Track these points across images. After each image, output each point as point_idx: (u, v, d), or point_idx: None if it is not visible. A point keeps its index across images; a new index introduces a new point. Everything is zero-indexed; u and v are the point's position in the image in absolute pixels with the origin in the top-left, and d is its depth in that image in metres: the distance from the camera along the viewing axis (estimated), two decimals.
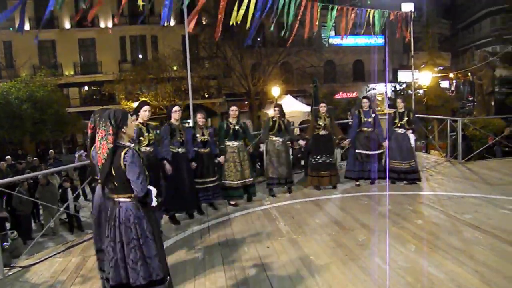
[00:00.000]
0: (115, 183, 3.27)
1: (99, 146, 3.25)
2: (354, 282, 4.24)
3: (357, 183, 8.26)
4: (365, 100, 8.28)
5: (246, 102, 29.82)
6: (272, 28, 8.61)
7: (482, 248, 4.92)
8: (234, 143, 7.22)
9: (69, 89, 28.99)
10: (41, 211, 12.45)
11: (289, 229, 5.94)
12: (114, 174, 3.22)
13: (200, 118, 6.86)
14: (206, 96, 29.65)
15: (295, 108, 22.99)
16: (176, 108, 6.41)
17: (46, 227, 9.38)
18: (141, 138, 5.48)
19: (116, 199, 3.34)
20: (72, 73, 29.25)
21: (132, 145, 3.39)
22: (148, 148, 5.53)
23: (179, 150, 6.33)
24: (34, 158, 16.65)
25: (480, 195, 7.20)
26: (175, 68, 25.82)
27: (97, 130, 3.29)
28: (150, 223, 3.39)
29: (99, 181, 3.82)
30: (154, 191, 3.39)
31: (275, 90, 24.55)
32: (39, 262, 5.32)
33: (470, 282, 4.11)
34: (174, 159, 6.19)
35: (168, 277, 3.54)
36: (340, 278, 4.34)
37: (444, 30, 40.62)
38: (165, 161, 5.93)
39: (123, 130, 3.30)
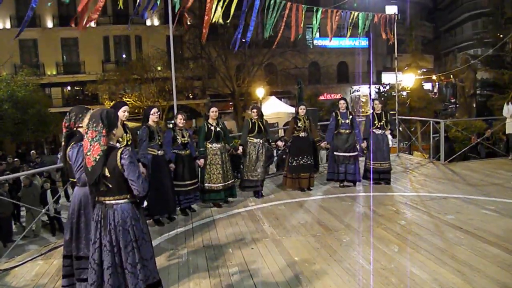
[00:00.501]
0: (109, 185, 3.17)
1: (88, 147, 3.14)
2: (338, 283, 4.25)
3: (341, 184, 8.31)
4: (341, 102, 8.34)
5: (230, 103, 29.78)
6: (267, 35, 8.59)
7: (464, 248, 4.98)
8: (216, 145, 7.13)
9: (51, 89, 28.59)
10: (22, 213, 12.26)
11: (274, 230, 5.94)
12: (108, 175, 3.13)
13: (180, 119, 6.78)
14: (191, 97, 29.53)
15: (279, 109, 23.07)
16: (154, 110, 6.27)
17: (27, 229, 9.23)
18: (120, 139, 5.37)
19: (108, 202, 3.23)
20: (54, 72, 28.84)
21: (123, 145, 3.34)
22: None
23: (159, 152, 6.26)
24: (15, 159, 16.40)
25: (462, 196, 7.30)
26: (159, 68, 25.64)
27: (86, 131, 3.19)
28: (145, 224, 3.36)
29: (78, 183, 3.72)
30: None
31: (259, 91, 24.57)
32: (19, 265, 5.22)
33: (452, 282, 4.16)
34: (154, 161, 6.15)
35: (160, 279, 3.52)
36: (324, 278, 4.35)
37: (427, 33, 41.15)
38: (140, 163, 5.81)
39: (113, 131, 3.24)
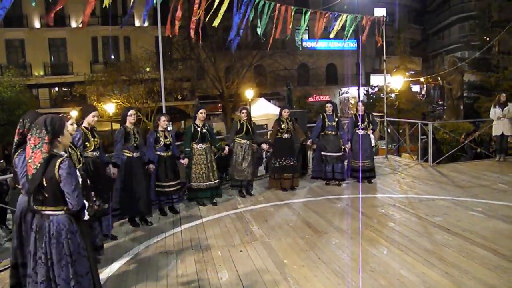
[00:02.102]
0: (46, 195, 3.02)
1: (30, 154, 3.00)
2: (327, 285, 4.24)
3: (327, 182, 8.57)
4: (328, 105, 8.61)
5: (219, 105, 29.74)
6: (261, 35, 8.67)
7: (452, 250, 5.01)
8: (201, 146, 7.29)
9: (38, 90, 28.35)
10: (8, 215, 12.07)
11: (263, 232, 5.92)
12: (45, 185, 2.99)
13: (163, 121, 6.85)
14: (180, 98, 29.44)
15: (268, 111, 23.02)
16: (131, 111, 6.31)
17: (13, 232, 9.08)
18: (87, 143, 5.32)
19: (45, 212, 3.08)
20: (42, 73, 28.60)
21: (66, 154, 3.16)
22: (94, 153, 5.41)
23: (134, 154, 6.22)
24: (1, 161, 16.17)
25: (449, 197, 7.35)
26: (148, 69, 25.53)
27: (29, 137, 3.05)
28: (83, 238, 3.16)
29: (22, 191, 3.64)
30: (86, 203, 3.18)
31: (248, 93, 24.55)
32: (5, 269, 5.13)
33: (441, 284, 4.18)
34: (128, 163, 6.15)
35: None
36: (313, 281, 4.34)
37: (416, 35, 41.49)
38: (110, 165, 5.82)
39: (58, 139, 3.09)
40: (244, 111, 7.87)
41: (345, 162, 8.68)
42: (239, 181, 7.90)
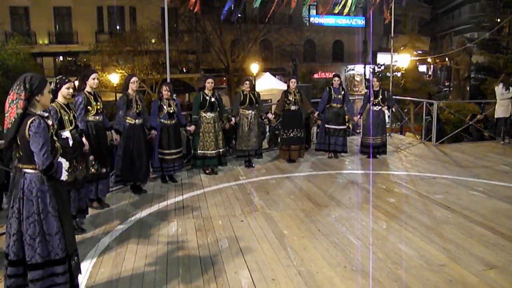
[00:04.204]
0: (20, 152, 3.07)
1: (7, 109, 3.04)
2: (325, 256, 4.29)
3: (329, 155, 8.72)
4: (336, 78, 8.67)
5: (224, 78, 29.56)
6: (257, 5, 8.54)
7: (451, 227, 5.04)
8: (210, 114, 7.37)
9: (43, 58, 28.15)
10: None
11: (264, 204, 5.96)
12: (19, 143, 3.03)
13: (165, 90, 6.89)
14: (184, 70, 29.27)
15: (273, 85, 22.88)
16: (134, 79, 6.26)
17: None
18: (89, 107, 5.32)
19: (22, 169, 3.13)
20: (46, 42, 28.36)
21: (46, 114, 3.15)
22: (97, 117, 5.42)
23: (136, 121, 6.24)
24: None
25: (451, 176, 7.36)
26: (153, 41, 25.30)
27: (10, 92, 3.08)
28: (55, 198, 3.17)
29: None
30: (65, 164, 3.20)
31: (254, 67, 24.35)
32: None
33: (438, 258, 4.22)
34: (130, 129, 6.18)
35: (76, 257, 3.36)
36: (312, 252, 4.39)
37: (425, 14, 40.86)
38: (113, 130, 5.90)
39: (36, 98, 3.10)
40: (247, 81, 7.92)
41: (346, 136, 8.82)
42: (246, 151, 7.97)
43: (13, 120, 3.00)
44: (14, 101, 3.03)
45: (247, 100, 7.78)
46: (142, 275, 3.97)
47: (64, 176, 3.20)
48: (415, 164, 8.35)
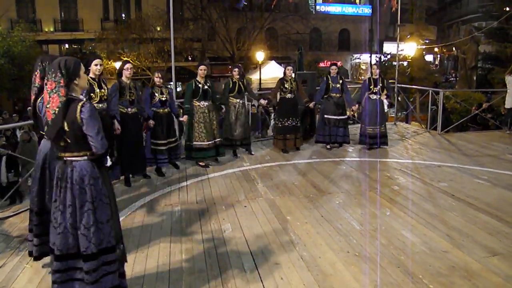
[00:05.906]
0: (68, 140, 2.95)
1: (48, 99, 2.92)
2: (328, 241, 4.30)
3: (328, 146, 8.49)
4: (333, 67, 8.51)
5: (230, 67, 29.42)
6: None
7: (455, 214, 5.03)
8: (203, 103, 7.10)
9: (48, 46, 28.09)
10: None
11: (267, 190, 5.97)
12: (67, 130, 2.90)
13: (157, 77, 6.68)
14: (190, 59, 29.17)
15: (279, 74, 22.77)
16: (128, 65, 6.05)
17: (20, 182, 9.23)
18: (92, 94, 5.15)
19: (68, 158, 3.01)
20: (52, 29, 28.29)
21: (85, 98, 3.07)
22: (100, 105, 5.22)
23: (128, 110, 6.03)
24: (14, 115, 16.23)
25: (456, 165, 7.32)
26: (158, 28, 25.22)
27: (46, 82, 2.96)
28: (105, 185, 3.10)
29: (45, 136, 3.53)
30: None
31: (259, 55, 24.23)
32: (14, 214, 5.25)
33: (441, 245, 4.21)
34: (122, 119, 5.90)
35: (121, 245, 3.28)
36: (315, 237, 4.40)
37: (432, 3, 40.40)
38: (114, 120, 5.65)
39: (75, 81, 2.99)
40: (236, 69, 7.74)
41: (347, 126, 8.62)
42: (233, 141, 7.78)
43: (57, 109, 2.89)
44: (54, 90, 2.90)
45: (236, 88, 7.59)
46: (145, 259, 4.00)
47: (108, 162, 3.14)
48: (420, 153, 8.31)
